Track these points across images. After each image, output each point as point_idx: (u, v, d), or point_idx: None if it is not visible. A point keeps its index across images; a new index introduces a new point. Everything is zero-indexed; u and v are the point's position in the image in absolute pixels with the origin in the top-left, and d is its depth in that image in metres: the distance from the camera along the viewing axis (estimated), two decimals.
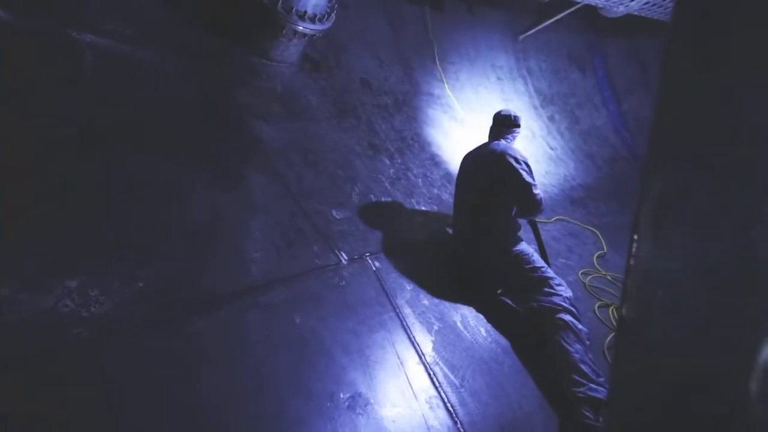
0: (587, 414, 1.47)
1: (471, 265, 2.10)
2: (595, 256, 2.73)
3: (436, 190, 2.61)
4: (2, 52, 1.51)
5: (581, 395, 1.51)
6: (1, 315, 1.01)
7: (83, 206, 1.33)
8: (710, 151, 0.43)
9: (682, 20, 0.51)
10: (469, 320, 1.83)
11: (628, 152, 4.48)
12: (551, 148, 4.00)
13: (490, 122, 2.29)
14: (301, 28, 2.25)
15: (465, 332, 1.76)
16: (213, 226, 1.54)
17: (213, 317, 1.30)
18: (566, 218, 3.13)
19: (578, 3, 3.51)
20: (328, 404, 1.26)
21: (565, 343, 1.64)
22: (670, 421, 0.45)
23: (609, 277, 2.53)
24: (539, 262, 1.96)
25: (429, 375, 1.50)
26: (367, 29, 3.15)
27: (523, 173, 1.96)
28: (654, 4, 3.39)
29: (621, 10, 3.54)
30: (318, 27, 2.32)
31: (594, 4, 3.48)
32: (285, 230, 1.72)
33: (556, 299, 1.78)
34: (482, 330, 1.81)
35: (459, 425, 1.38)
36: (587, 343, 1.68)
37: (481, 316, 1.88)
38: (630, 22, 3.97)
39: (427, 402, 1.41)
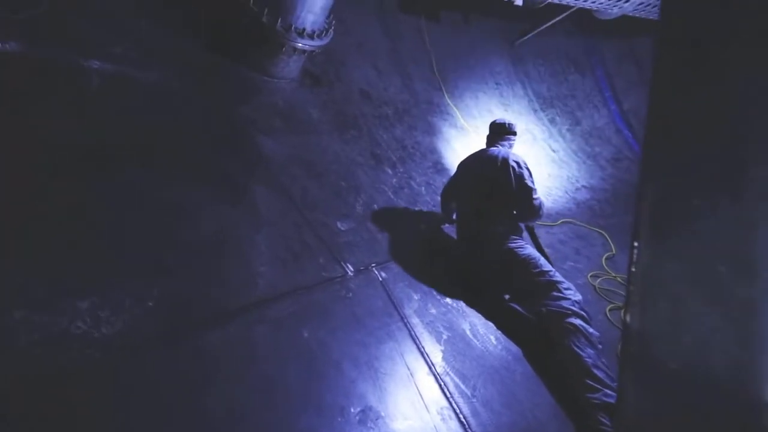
0: (603, 420, 1.44)
1: (476, 271, 2.09)
2: (604, 257, 2.70)
3: (439, 198, 2.62)
4: (15, 81, 1.57)
5: (596, 401, 1.48)
6: (17, 339, 1.03)
7: (92, 227, 1.35)
8: (705, 152, 0.44)
9: (670, 22, 0.52)
10: (479, 328, 1.82)
11: (631, 151, 4.46)
12: (553, 151, 4.00)
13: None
14: (300, 45, 2.30)
15: (474, 340, 1.74)
16: (220, 241, 1.55)
17: (222, 332, 1.31)
18: (572, 220, 3.11)
19: (572, 7, 3.54)
20: (339, 419, 1.25)
21: (576, 348, 1.62)
22: (677, 428, 0.44)
23: (619, 279, 2.49)
24: (546, 266, 1.94)
25: (440, 386, 1.48)
26: (365, 42, 3.20)
27: (524, 177, 1.96)
28: (648, 5, 3.41)
29: (615, 11, 3.57)
30: (317, 43, 2.37)
31: (588, 8, 3.51)
32: (291, 243, 1.73)
33: (565, 303, 1.76)
34: (492, 338, 1.79)
35: None
36: (599, 347, 1.66)
37: (491, 324, 1.87)
38: (626, 22, 3.99)
39: (438, 413, 1.39)
